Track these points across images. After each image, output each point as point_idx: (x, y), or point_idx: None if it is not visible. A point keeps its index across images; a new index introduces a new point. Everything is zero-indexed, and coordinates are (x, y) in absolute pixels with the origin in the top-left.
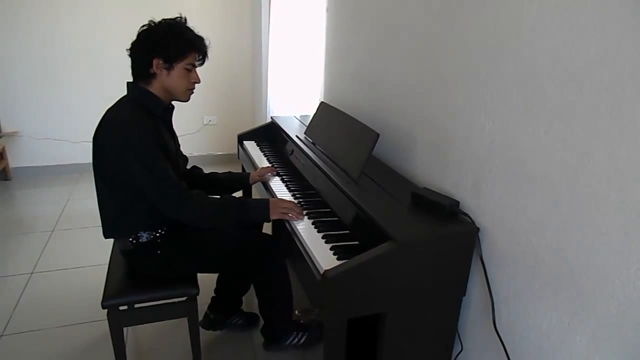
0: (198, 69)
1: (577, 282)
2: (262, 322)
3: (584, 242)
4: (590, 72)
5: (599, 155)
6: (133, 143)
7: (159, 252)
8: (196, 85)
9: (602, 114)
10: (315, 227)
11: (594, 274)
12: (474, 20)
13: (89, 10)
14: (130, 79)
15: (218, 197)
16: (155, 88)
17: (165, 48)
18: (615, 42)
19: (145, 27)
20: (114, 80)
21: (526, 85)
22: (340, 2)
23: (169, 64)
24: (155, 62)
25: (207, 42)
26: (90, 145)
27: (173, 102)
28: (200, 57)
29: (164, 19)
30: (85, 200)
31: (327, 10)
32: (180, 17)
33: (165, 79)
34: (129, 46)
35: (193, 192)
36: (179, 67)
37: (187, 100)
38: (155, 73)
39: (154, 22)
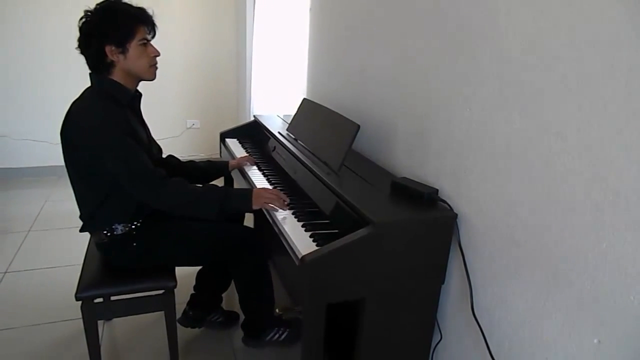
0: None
1: (552, 261)
2: (242, 319)
3: (558, 220)
4: (559, 56)
5: (571, 135)
6: (104, 137)
7: (134, 244)
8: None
9: (572, 95)
10: (295, 217)
11: (567, 251)
12: (451, 12)
13: (68, 10)
14: None
15: (200, 185)
16: (118, 76)
17: (112, 32)
18: (583, 27)
19: (83, 19)
20: None
21: (501, 71)
22: (323, 3)
23: (122, 47)
24: (107, 49)
25: (150, 12)
26: None
27: (140, 88)
28: (150, 28)
29: (97, 4)
30: (63, 201)
31: (311, 10)
32: None
33: (124, 63)
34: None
35: (173, 179)
36: (133, 47)
37: (153, 78)
38: (112, 61)
39: (89, 11)
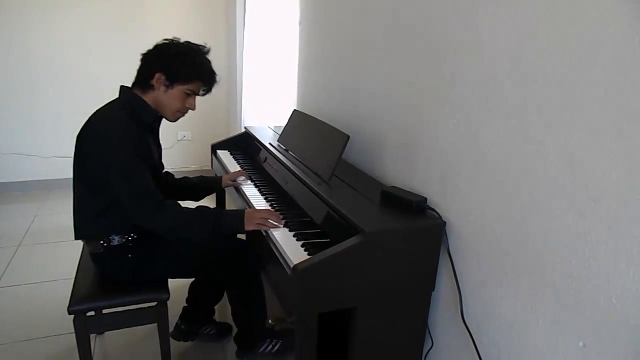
0: None
1: (538, 266)
2: (235, 331)
3: (543, 227)
4: (541, 69)
5: (553, 144)
6: (116, 151)
7: (130, 256)
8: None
9: (554, 105)
10: (287, 227)
11: (552, 257)
12: (437, 26)
13: (60, 24)
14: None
15: (192, 207)
16: (149, 99)
17: (173, 67)
18: (563, 38)
19: (166, 41)
20: (86, 95)
21: (486, 82)
22: (312, 16)
23: (171, 82)
24: (157, 75)
25: (218, 79)
26: (61, 160)
27: None
28: (205, 90)
29: (187, 42)
30: (53, 216)
31: (300, 23)
32: (205, 47)
33: (160, 95)
34: (142, 52)
35: (167, 203)
36: (178, 89)
37: (174, 121)
38: (154, 85)
39: (176, 41)
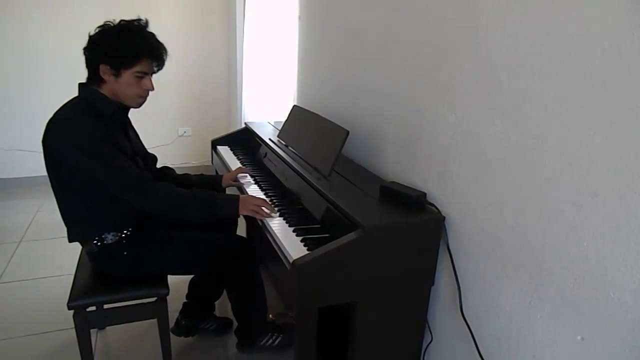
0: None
1: (536, 260)
2: (235, 326)
3: (541, 220)
4: (539, 63)
5: (551, 137)
6: (80, 140)
7: (125, 253)
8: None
9: (552, 100)
10: (286, 222)
11: (550, 250)
12: (434, 20)
13: (60, 19)
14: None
15: (187, 189)
16: (106, 91)
17: (113, 55)
18: (561, 33)
19: (99, 29)
20: None
21: (484, 77)
22: (312, 10)
23: (116, 70)
24: (102, 67)
25: (165, 50)
26: None
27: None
28: (156, 65)
29: (121, 20)
30: (54, 211)
31: (299, 18)
32: (140, 20)
33: (113, 85)
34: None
35: (160, 183)
36: (127, 74)
37: (137, 107)
38: (103, 78)
39: (109, 24)
